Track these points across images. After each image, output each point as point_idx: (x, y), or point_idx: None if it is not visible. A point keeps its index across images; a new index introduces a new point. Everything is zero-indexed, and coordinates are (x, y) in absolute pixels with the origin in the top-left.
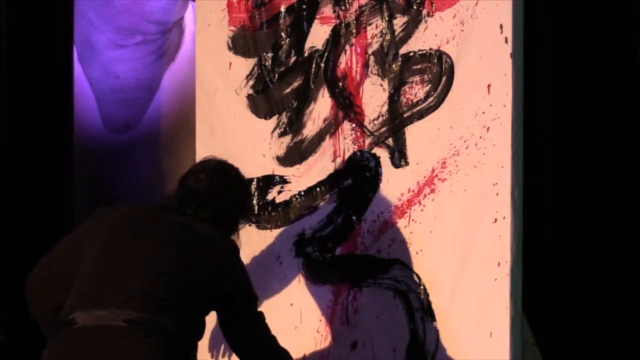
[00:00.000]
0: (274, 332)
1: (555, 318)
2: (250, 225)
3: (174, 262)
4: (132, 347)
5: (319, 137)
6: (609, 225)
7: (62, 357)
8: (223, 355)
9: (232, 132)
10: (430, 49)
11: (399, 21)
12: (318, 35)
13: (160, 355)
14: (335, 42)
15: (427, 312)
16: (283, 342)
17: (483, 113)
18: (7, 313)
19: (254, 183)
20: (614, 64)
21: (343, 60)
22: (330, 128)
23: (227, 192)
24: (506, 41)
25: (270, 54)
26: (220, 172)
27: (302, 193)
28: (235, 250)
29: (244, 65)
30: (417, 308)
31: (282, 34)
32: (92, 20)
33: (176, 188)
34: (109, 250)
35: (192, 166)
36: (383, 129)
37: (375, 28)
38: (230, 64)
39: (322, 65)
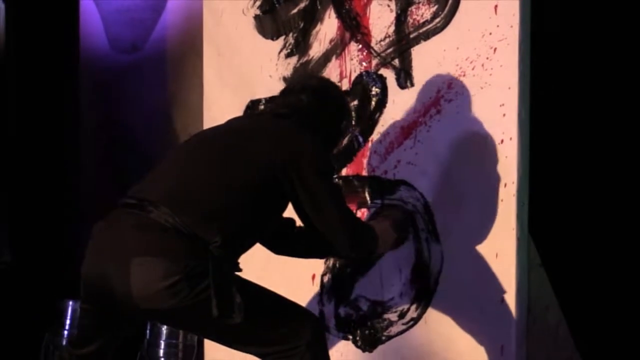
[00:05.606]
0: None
1: (562, 239)
2: None
3: (229, 151)
4: (144, 235)
5: (325, 58)
6: (618, 146)
7: (94, 234)
8: None
9: (239, 53)
10: None
11: None
12: None
13: (170, 245)
14: None
15: (432, 233)
16: (290, 262)
17: (490, 34)
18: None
19: (262, 104)
20: None
21: None
22: (336, 49)
23: (326, 112)
24: None
25: None
26: (322, 91)
27: None
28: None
29: None
30: (422, 228)
31: None
32: None
33: (273, 105)
34: (175, 153)
35: (291, 83)
36: (389, 50)
37: None
38: None
39: None
